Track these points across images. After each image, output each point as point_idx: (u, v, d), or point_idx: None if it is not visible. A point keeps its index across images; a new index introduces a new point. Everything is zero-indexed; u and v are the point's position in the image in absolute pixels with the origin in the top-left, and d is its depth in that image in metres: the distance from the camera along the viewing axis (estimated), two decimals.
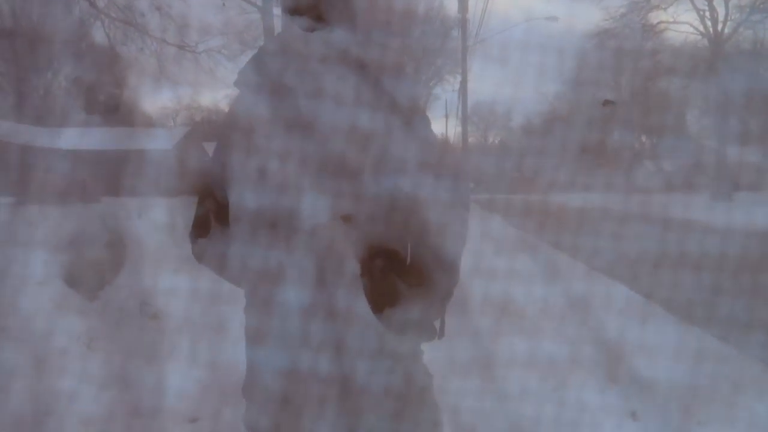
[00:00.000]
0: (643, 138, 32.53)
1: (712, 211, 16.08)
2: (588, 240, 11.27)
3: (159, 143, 22.66)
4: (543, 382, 3.83)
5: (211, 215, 1.59)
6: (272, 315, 1.46)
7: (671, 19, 27.85)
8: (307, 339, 1.44)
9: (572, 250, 10.04)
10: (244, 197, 1.48)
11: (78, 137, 22.04)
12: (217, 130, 1.63)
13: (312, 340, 1.44)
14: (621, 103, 28.19)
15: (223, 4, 15.72)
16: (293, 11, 1.54)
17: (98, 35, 16.08)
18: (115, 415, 3.21)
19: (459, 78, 24.24)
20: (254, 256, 1.48)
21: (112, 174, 19.08)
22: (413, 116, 1.52)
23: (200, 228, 1.61)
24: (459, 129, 24.83)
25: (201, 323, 4.53)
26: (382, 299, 1.46)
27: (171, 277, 5.68)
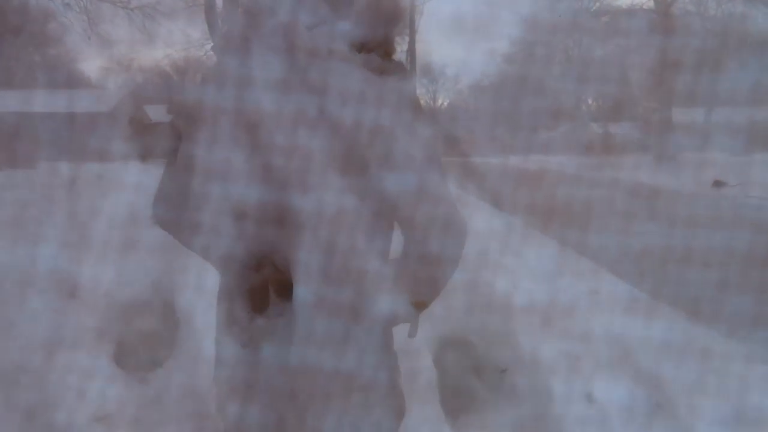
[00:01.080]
0: (590, 100, 32.82)
1: (658, 173, 16.30)
2: (525, 199, 11.28)
3: (95, 105, 21.93)
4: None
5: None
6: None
7: None
8: (284, 328, 1.44)
9: (511, 209, 10.02)
10: (242, 188, 1.43)
11: (11, 99, 21.20)
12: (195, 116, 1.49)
13: (288, 330, 1.43)
14: (568, 65, 28.30)
15: None
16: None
17: None
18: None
19: (407, 39, 23.92)
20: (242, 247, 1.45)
21: (49, 138, 18.45)
22: (418, 112, 1.51)
23: (174, 195, 1.52)
24: None
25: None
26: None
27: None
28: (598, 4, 26.18)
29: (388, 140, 1.44)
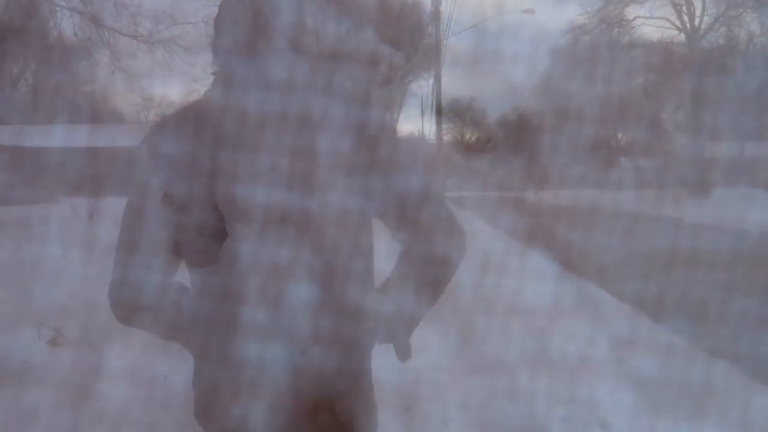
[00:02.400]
0: (619, 135, 32.40)
1: (694, 208, 15.81)
2: (560, 237, 10.90)
3: (122, 140, 21.99)
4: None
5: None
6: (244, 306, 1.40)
7: (648, 14, 27.69)
8: (270, 329, 1.40)
9: (545, 246, 9.66)
10: (251, 194, 1.39)
11: (41, 135, 21.36)
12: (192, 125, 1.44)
13: (274, 331, 1.40)
14: (596, 98, 27.98)
15: None
16: None
17: (54, 28, 15.35)
18: None
19: (433, 73, 23.80)
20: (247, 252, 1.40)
21: (74, 173, 18.48)
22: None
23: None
24: (435, 126, 24.40)
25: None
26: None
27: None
28: (627, 37, 25.93)
29: (394, 141, 1.46)
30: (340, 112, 1.42)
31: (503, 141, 34.46)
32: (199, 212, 1.39)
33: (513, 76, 30.46)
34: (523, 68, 29.60)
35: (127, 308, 1.44)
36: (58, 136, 22.09)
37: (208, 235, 1.40)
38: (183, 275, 1.45)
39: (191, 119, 1.44)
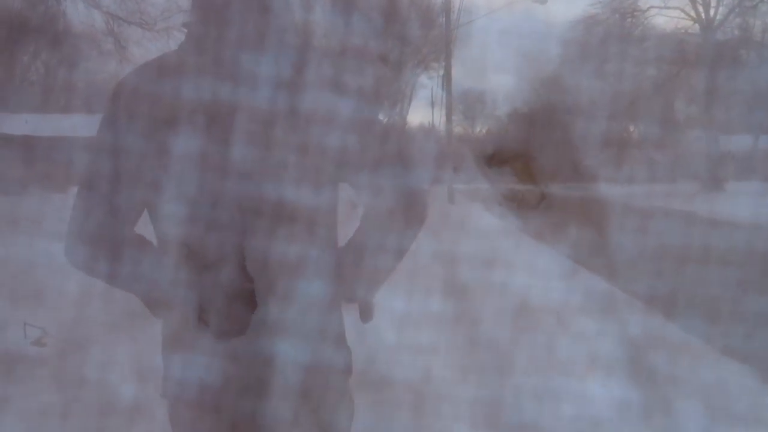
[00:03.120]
0: (631, 128, 32.10)
1: (706, 203, 15.60)
2: (570, 232, 10.73)
3: None
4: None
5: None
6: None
7: (662, 4, 27.33)
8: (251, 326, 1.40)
9: (553, 240, 9.51)
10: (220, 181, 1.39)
11: (51, 125, 21.31)
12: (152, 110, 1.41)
13: (255, 326, 1.40)
14: (607, 91, 27.69)
15: None
16: None
17: (60, 17, 15.24)
18: None
19: (443, 64, 23.58)
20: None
21: (82, 163, 18.40)
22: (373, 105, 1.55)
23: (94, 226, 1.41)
24: (444, 118, 24.21)
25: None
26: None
27: None
28: (641, 28, 25.60)
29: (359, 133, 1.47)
30: (313, 102, 1.42)
31: (513, 134, 34.21)
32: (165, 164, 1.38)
33: (524, 68, 30.18)
34: (534, 60, 29.29)
35: (84, 252, 1.41)
36: (67, 126, 22.04)
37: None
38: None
39: (166, 70, 1.45)
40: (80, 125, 22.30)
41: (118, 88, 1.43)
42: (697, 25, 25.48)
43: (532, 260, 8.13)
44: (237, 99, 1.38)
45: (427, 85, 33.07)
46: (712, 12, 25.10)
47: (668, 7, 26.62)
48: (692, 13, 25.68)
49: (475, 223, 11.72)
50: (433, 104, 33.95)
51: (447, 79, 22.40)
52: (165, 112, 1.37)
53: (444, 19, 21.87)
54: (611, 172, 28.26)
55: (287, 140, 1.39)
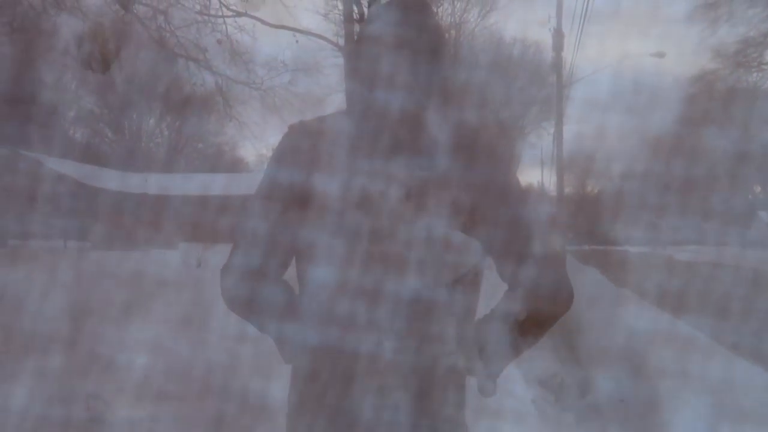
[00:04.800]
0: (758, 188, 30.35)
1: None
2: (694, 299, 9.84)
3: (241, 188, 22.42)
4: None
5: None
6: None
7: None
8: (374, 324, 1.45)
9: (675, 307, 8.71)
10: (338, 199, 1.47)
11: (162, 182, 22.09)
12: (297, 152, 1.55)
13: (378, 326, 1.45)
14: (731, 149, 26.29)
15: (296, 41, 15.24)
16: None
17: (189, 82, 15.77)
18: None
19: (554, 123, 22.99)
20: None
21: (193, 220, 18.90)
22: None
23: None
24: (555, 178, 23.49)
25: None
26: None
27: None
28: (767, 84, 24.20)
29: (515, 189, 1.52)
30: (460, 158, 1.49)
31: (627, 195, 32.99)
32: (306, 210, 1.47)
33: (639, 126, 29.17)
34: (650, 117, 28.30)
35: (238, 299, 1.52)
36: (183, 184, 22.80)
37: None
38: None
39: (327, 126, 1.56)
40: (196, 183, 23.05)
41: (287, 137, 1.56)
42: None
43: (662, 330, 7.40)
44: (388, 167, 1.46)
45: (536, 144, 32.43)
46: None
47: None
48: None
49: (590, 289, 10.99)
50: (542, 164, 33.27)
51: (558, 138, 21.78)
52: (323, 168, 1.47)
53: (555, 76, 21.36)
54: (736, 234, 26.62)
55: (436, 212, 1.44)
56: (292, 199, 1.49)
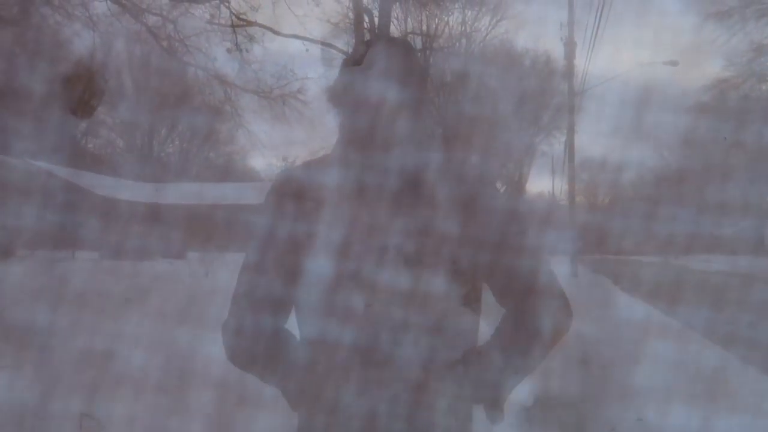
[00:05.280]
0: None
1: None
2: (703, 309, 9.71)
3: (251, 197, 22.38)
4: None
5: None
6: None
7: None
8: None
9: (687, 320, 8.58)
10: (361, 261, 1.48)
11: (172, 192, 22.09)
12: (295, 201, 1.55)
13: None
14: (745, 158, 26.09)
15: (306, 50, 15.22)
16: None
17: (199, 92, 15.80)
18: None
19: (566, 131, 22.88)
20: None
21: (202, 229, 18.87)
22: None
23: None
24: (566, 187, 23.37)
25: None
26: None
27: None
28: None
29: (504, 213, 1.53)
30: (449, 186, 1.50)
31: (639, 203, 32.80)
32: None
33: (651, 134, 28.98)
34: (662, 125, 28.12)
35: (240, 356, 1.54)
36: (194, 193, 22.80)
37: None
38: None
39: (315, 174, 1.55)
40: (208, 193, 23.06)
41: (277, 185, 1.56)
42: None
43: (669, 336, 7.28)
44: (383, 199, 1.48)
45: (547, 152, 32.31)
46: None
47: None
48: None
49: (602, 299, 10.86)
50: (553, 172, 33.11)
51: (569, 146, 21.67)
52: (317, 212, 1.49)
53: (566, 84, 21.26)
54: (750, 242, 26.37)
55: (433, 243, 1.45)
56: (284, 252, 1.50)
